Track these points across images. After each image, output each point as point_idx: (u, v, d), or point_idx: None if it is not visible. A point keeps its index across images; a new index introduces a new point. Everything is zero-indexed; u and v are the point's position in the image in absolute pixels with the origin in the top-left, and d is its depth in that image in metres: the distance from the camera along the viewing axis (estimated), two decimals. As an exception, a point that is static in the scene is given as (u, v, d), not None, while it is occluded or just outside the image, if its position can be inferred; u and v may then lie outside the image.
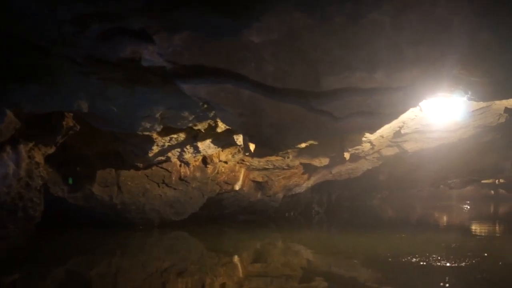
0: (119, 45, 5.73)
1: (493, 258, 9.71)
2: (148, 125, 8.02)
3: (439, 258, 9.18)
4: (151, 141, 9.88)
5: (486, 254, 10.06)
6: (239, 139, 10.67)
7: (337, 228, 16.40)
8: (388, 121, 6.90)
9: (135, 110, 7.56)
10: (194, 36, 5.44)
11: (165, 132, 9.55)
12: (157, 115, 7.78)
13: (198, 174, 12.52)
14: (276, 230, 14.75)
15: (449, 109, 11.23)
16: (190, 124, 8.53)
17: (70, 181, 11.26)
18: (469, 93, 8.36)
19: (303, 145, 11.83)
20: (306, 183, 15.44)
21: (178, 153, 10.98)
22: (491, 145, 15.71)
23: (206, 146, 10.83)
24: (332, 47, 5.39)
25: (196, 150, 10.88)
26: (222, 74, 6.02)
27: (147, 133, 8.51)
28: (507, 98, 8.86)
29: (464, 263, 8.84)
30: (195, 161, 12.15)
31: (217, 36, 5.45)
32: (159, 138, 9.84)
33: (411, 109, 10.80)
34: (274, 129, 6.65)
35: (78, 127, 8.77)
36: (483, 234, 15.27)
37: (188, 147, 10.71)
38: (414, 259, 9.04)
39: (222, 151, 11.99)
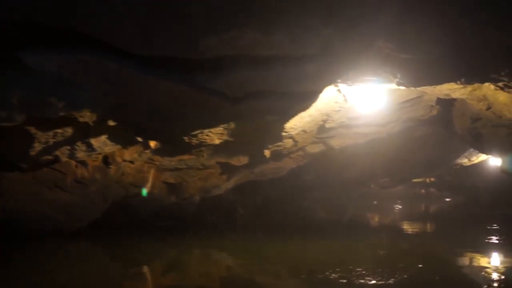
0: None
1: (428, 272, 8.26)
2: (3, 113, 6.22)
3: (364, 272, 7.74)
4: (30, 137, 8.10)
5: (420, 266, 8.66)
6: (139, 134, 9.02)
7: (263, 232, 14.82)
8: (300, 105, 5.44)
9: (-20, 94, 5.78)
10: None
11: (47, 126, 7.83)
12: (14, 101, 6.00)
13: (98, 175, 10.76)
14: (195, 236, 13.11)
15: (377, 100, 9.93)
16: (63, 113, 6.76)
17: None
18: (398, 76, 7.04)
19: (216, 141, 10.31)
20: (225, 184, 13.85)
21: (68, 152, 9.21)
22: (423, 142, 14.58)
23: (101, 144, 9.11)
24: (212, -5, 3.84)
25: (90, 148, 9.14)
26: (77, 40, 4.39)
27: (5, 124, 6.69)
28: (440, 82, 7.54)
29: (393, 279, 7.39)
30: (93, 160, 10.40)
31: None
32: (40, 133, 8.06)
33: (335, 100, 9.46)
34: (153, 114, 5.07)
35: None
36: (415, 237, 14.10)
37: (79, 144, 8.94)
38: (333, 274, 7.58)
39: (125, 149, 10.27)
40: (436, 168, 20.37)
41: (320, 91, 5.45)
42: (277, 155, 12.28)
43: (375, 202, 26.59)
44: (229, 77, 4.55)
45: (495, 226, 14.87)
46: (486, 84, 7.75)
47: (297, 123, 9.92)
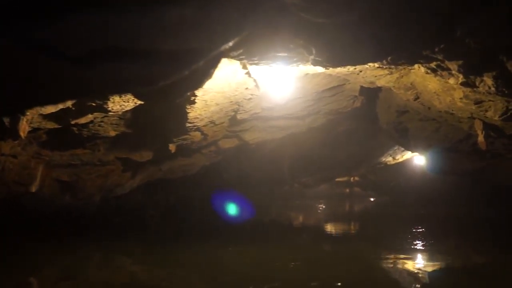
0: None
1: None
2: None
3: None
4: None
5: (339, 284, 7.18)
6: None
7: (177, 235, 13.18)
8: (179, 74, 3.92)
9: None
10: None
11: None
12: None
13: (-30, 171, 9.02)
14: (96, 240, 11.51)
15: (294, 88, 8.62)
16: None
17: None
18: (313, 52, 5.68)
19: (111, 132, 8.82)
20: (130, 183, 12.22)
21: None
22: (347, 138, 13.46)
23: (-37, 131, 7.39)
24: None
25: None
26: None
27: None
28: (363, 61, 6.21)
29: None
30: (-39, 154, 8.66)
31: None
32: None
33: (246, 86, 8.07)
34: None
35: None
36: (337, 241, 12.77)
37: None
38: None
39: (3, 141, 8.55)
40: (360, 166, 19.58)
41: (208, 55, 3.96)
42: (186, 150, 10.83)
43: (298, 202, 25.58)
44: (63, 24, 3.04)
45: (420, 229, 13.79)
46: (416, 67, 6.52)
47: (202, 113, 8.52)
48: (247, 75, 7.54)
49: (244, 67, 7.13)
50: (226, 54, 5.46)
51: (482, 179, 13.64)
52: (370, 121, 11.82)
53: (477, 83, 6.24)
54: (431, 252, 10.16)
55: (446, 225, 15.41)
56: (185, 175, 13.49)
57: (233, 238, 11.84)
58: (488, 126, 8.36)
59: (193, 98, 7.72)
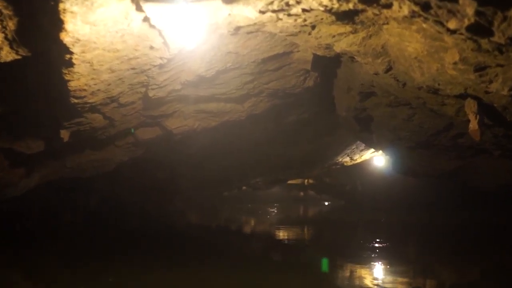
0: None
1: None
2: None
3: None
4: None
5: None
6: None
7: (93, 247, 10.20)
8: None
9: None
10: None
11: None
12: None
13: None
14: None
15: (223, 53, 6.00)
16: None
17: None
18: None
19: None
20: (25, 181, 9.28)
21: None
22: (298, 131, 10.99)
23: None
24: None
25: None
26: None
27: None
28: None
29: None
30: None
31: None
32: None
33: (150, 44, 5.35)
34: None
35: None
36: (287, 253, 10.02)
37: None
38: None
39: None
40: (314, 167, 17.26)
41: None
42: (95, 142, 8.14)
43: (251, 205, 23.85)
44: None
45: (379, 243, 10.99)
46: (396, 7, 3.96)
47: (91, 83, 5.80)
48: (147, 24, 4.86)
49: (138, 7, 4.50)
50: None
51: (456, 182, 11.22)
52: (326, 109, 9.35)
53: (495, 25, 3.66)
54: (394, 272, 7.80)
55: (409, 236, 12.98)
56: (103, 173, 10.69)
57: (169, 252, 9.04)
58: (484, 108, 5.85)
59: (67, 56, 5.01)
